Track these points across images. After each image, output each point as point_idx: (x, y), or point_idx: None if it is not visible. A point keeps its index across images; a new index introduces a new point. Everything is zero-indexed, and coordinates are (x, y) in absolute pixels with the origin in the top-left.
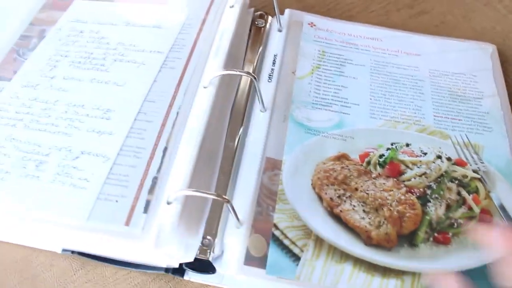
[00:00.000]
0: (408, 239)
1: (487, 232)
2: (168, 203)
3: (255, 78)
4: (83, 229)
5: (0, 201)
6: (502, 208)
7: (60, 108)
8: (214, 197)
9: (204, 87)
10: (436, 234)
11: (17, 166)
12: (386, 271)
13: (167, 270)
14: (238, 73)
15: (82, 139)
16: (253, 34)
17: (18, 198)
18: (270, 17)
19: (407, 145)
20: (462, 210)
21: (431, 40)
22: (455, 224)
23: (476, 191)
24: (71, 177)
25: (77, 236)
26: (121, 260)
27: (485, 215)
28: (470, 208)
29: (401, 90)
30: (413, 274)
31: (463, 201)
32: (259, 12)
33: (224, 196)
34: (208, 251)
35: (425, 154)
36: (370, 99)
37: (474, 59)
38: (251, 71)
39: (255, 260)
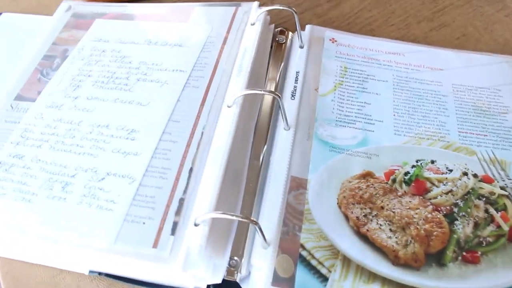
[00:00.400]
0: (436, 259)
1: None
2: (196, 225)
3: (279, 96)
4: (111, 251)
5: (28, 222)
6: None
7: (84, 129)
8: (242, 220)
9: (228, 106)
10: (464, 253)
11: (44, 188)
12: None
13: None
14: (262, 92)
15: (108, 160)
16: (274, 51)
17: (45, 219)
18: (290, 33)
19: (432, 162)
20: (491, 228)
21: (454, 54)
22: (484, 242)
23: (505, 209)
24: (97, 198)
25: (104, 258)
26: (149, 282)
27: None
28: (499, 226)
29: (424, 106)
30: None
31: (491, 219)
32: (279, 28)
33: (252, 219)
34: (235, 272)
35: (451, 171)
36: (394, 115)
37: (498, 72)
38: (273, 88)
39: (283, 281)
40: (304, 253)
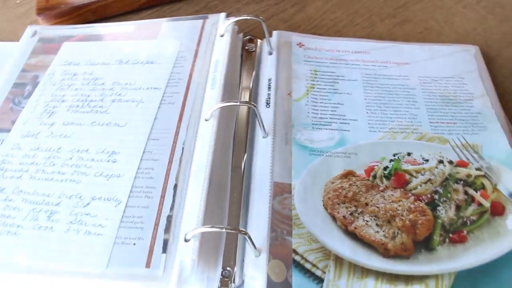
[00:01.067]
0: (424, 245)
1: None
2: (186, 240)
3: (255, 106)
4: (104, 276)
5: (15, 255)
6: None
7: (64, 155)
8: (232, 231)
9: (206, 120)
10: (451, 235)
11: (29, 219)
12: (408, 279)
13: None
14: (238, 103)
15: (91, 184)
16: (245, 59)
17: (34, 251)
18: (259, 40)
19: (409, 154)
20: (473, 208)
21: (418, 47)
22: (468, 221)
23: (483, 187)
24: (85, 224)
25: (98, 284)
26: None
27: (497, 207)
28: (480, 204)
29: (395, 101)
30: (436, 276)
31: (472, 199)
32: (248, 37)
33: (241, 229)
34: (229, 282)
35: (427, 161)
36: (367, 113)
37: (460, 61)
38: (248, 97)
39: (277, 286)
40: (297, 258)
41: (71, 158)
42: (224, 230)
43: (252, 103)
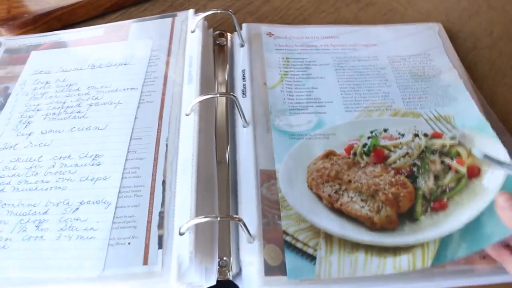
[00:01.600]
0: (408, 216)
1: None
2: (181, 234)
3: (235, 96)
4: (102, 279)
5: (7, 269)
6: (487, 157)
7: (46, 164)
8: (226, 220)
9: (186, 115)
10: (432, 204)
11: (17, 231)
12: (396, 250)
13: None
14: (218, 95)
15: (78, 189)
16: (217, 53)
17: (26, 262)
18: (229, 34)
19: (385, 130)
20: (450, 175)
21: (384, 29)
22: (447, 189)
23: (458, 155)
24: (76, 230)
25: (96, 287)
26: None
27: (473, 170)
28: (457, 171)
29: (367, 81)
30: (422, 245)
31: (449, 167)
32: (218, 32)
33: (235, 216)
34: (227, 271)
35: (403, 135)
36: (341, 94)
37: (425, 39)
38: (224, 90)
39: (274, 269)
40: (288, 238)
41: (54, 165)
42: (218, 218)
43: (232, 94)
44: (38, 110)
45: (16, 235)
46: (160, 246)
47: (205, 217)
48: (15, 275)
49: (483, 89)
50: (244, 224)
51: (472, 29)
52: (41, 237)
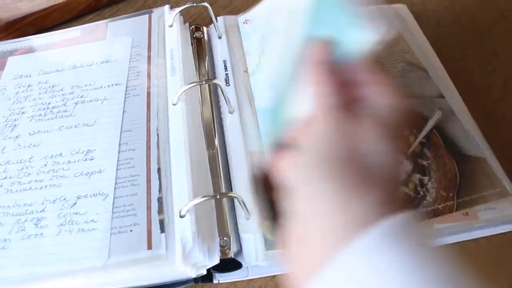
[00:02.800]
0: None
1: None
2: (181, 216)
3: (219, 84)
4: (108, 268)
5: (10, 268)
6: None
7: (38, 163)
8: (224, 197)
9: (174, 104)
10: None
11: (15, 231)
12: None
13: (195, 280)
14: (204, 83)
15: (73, 184)
16: (195, 47)
17: (27, 260)
18: (205, 28)
19: None
20: None
21: None
22: None
23: None
24: (76, 223)
25: (103, 276)
26: (150, 285)
27: None
28: None
29: None
30: None
31: None
32: (193, 26)
33: (233, 194)
34: (227, 250)
35: None
36: None
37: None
38: None
39: (274, 243)
40: None
41: (46, 164)
42: (218, 196)
43: (217, 81)
44: (23, 113)
45: (15, 235)
46: (162, 230)
47: (204, 197)
48: (16, 274)
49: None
50: (243, 201)
51: (433, 8)
52: (41, 234)
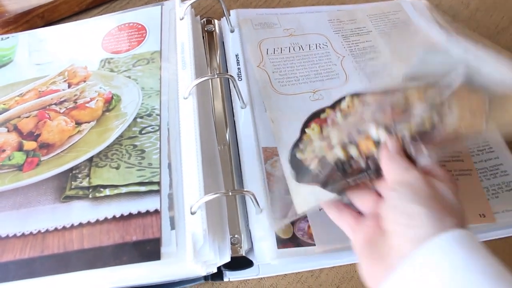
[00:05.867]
0: None
1: None
2: (192, 213)
3: (232, 76)
4: (117, 265)
5: None
6: None
7: None
8: (236, 194)
9: (184, 98)
10: None
11: None
12: None
13: (206, 278)
14: (216, 76)
15: None
16: (207, 40)
17: None
18: (216, 21)
19: None
20: None
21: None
22: None
23: None
24: None
25: (112, 273)
26: (160, 283)
27: None
28: None
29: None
30: None
31: None
32: (205, 19)
33: (245, 190)
34: (238, 247)
35: None
36: None
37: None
38: None
39: (286, 241)
40: None
41: None
42: (230, 193)
43: (230, 74)
44: None
45: None
46: (173, 227)
47: (215, 194)
48: None
49: None
50: (255, 197)
51: (449, 2)
52: None
